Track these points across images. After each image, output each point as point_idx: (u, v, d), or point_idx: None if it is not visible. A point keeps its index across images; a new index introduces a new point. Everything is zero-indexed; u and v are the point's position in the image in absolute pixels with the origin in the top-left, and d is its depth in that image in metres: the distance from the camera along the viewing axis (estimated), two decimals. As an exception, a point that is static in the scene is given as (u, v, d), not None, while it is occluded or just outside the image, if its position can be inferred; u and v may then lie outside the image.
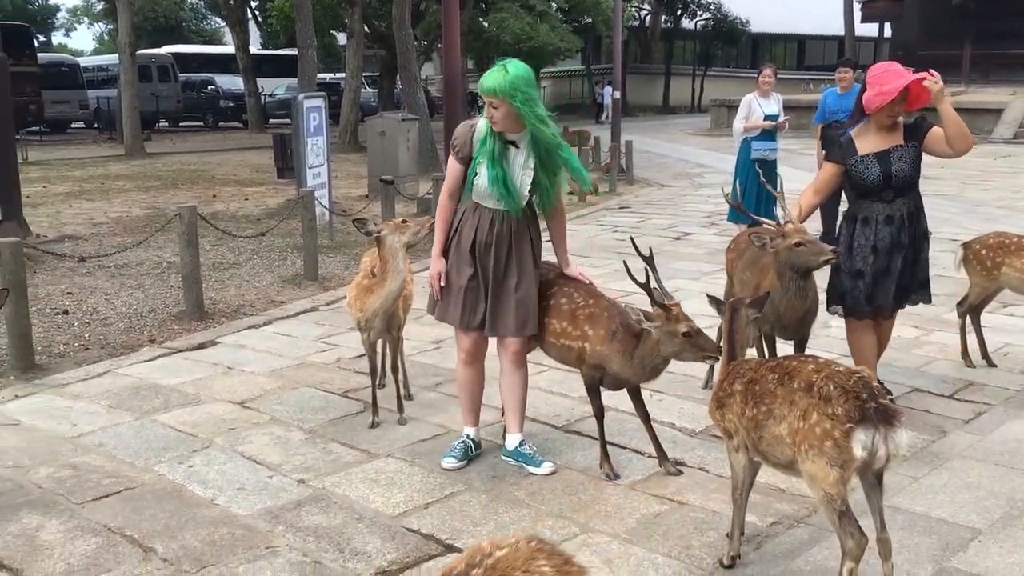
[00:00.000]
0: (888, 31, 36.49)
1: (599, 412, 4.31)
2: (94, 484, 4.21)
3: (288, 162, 15.34)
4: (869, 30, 39.03)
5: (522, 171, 4.18)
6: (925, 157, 4.76)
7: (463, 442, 4.46)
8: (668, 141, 26.90)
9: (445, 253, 4.30)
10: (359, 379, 5.65)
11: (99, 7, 53.66)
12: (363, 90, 29.19)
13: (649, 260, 4.09)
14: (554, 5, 35.33)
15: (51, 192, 15.65)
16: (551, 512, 3.92)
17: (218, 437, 4.79)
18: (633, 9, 44.14)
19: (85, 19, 66.19)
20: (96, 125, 33.03)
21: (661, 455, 4.32)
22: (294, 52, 26.38)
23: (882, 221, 4.71)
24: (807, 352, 4.48)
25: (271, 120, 35.27)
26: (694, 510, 3.92)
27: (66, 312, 7.45)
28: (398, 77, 25.28)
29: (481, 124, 4.15)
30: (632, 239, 4.54)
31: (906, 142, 4.71)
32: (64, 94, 30.85)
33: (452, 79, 11.28)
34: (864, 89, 4.69)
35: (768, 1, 45.51)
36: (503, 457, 4.41)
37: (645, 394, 4.44)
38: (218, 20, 53.50)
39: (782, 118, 9.40)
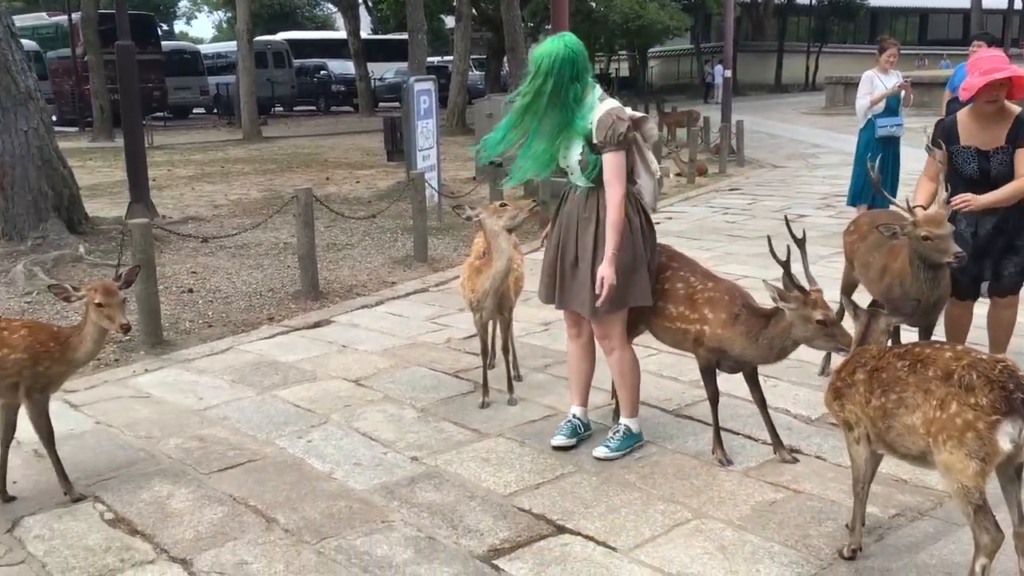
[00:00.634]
0: (1020, 2, 34.57)
1: (714, 396, 4.24)
2: (219, 455, 4.39)
3: (398, 145, 15.58)
4: (998, 1, 37.10)
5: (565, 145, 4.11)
6: None
7: (570, 421, 4.46)
8: (780, 121, 26.21)
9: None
10: (469, 359, 5.72)
11: (218, -4, 55.48)
12: (470, 72, 29.37)
13: (800, 243, 3.95)
14: (664, -17, 34.76)
15: (175, 175, 16.32)
16: (662, 496, 3.89)
17: (334, 413, 4.92)
18: (745, -15, 43.13)
19: (205, 7, 68.68)
20: (215, 110, 34.24)
21: (776, 442, 4.23)
22: (403, 36, 26.77)
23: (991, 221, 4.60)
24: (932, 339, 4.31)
25: (380, 104, 35.91)
26: (811, 499, 3.83)
27: (191, 290, 7.77)
28: (505, 59, 25.35)
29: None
30: (786, 218, 4.39)
31: (1008, 143, 4.50)
32: (186, 81, 32.11)
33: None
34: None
35: (888, -28, 43.77)
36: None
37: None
38: (330, 6, 54.57)
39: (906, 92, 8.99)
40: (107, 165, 17.64)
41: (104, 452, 4.45)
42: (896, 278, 4.54)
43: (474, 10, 27.59)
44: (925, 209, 4.40)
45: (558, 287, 4.30)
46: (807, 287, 3.79)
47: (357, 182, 15.07)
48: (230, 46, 33.65)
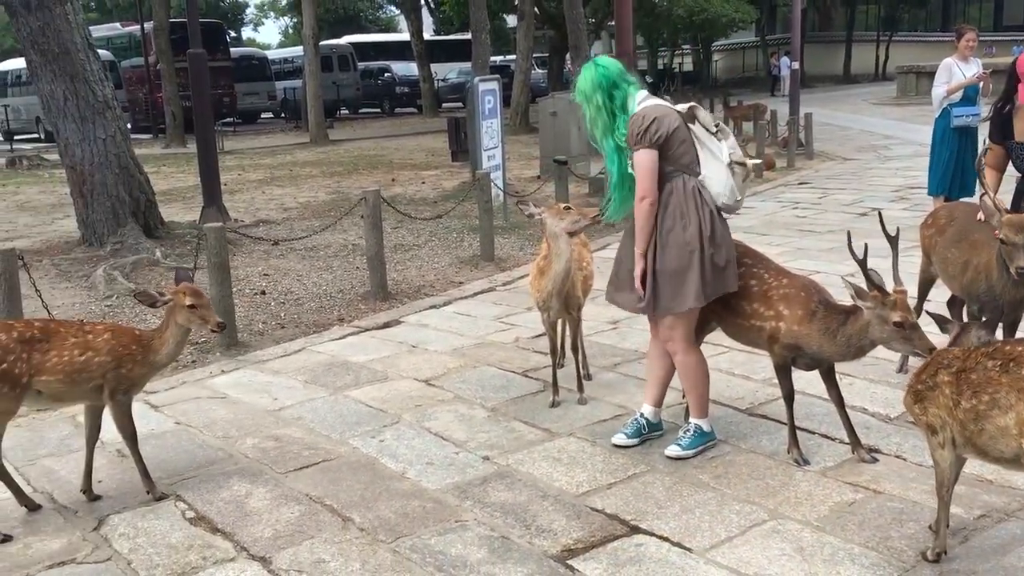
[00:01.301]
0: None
1: (789, 395, 4.16)
2: (295, 455, 4.47)
3: (462, 145, 15.66)
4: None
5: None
6: None
7: (636, 420, 4.44)
8: (850, 112, 25.67)
9: None
10: (538, 359, 5.72)
11: (284, 2, 56.47)
12: (533, 71, 29.38)
13: (893, 240, 3.85)
14: (728, -25, 34.33)
15: (246, 179, 16.65)
16: (737, 497, 3.84)
17: (406, 413, 4.97)
18: (812, -25, 42.38)
19: (271, 13, 69.96)
20: (283, 115, 34.87)
21: (854, 441, 4.14)
22: (465, 37, 26.91)
23: None
24: (1019, 335, 4.17)
25: (444, 104, 36.12)
26: (891, 499, 3.74)
27: (263, 292, 7.92)
28: (567, 57, 25.30)
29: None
30: (880, 214, 4.29)
31: None
32: (254, 86, 32.77)
33: (623, 57, 11.16)
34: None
35: (961, -43, 42.55)
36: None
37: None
38: (393, 8, 55.22)
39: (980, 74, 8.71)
40: (180, 171, 18.10)
41: (184, 452, 4.56)
42: (981, 273, 4.41)
43: (536, 8, 27.58)
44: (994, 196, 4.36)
45: (614, 285, 4.38)
46: (888, 287, 3.69)
47: (423, 183, 15.20)
48: (296, 51, 34.27)
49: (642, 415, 4.44)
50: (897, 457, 4.14)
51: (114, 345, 3.86)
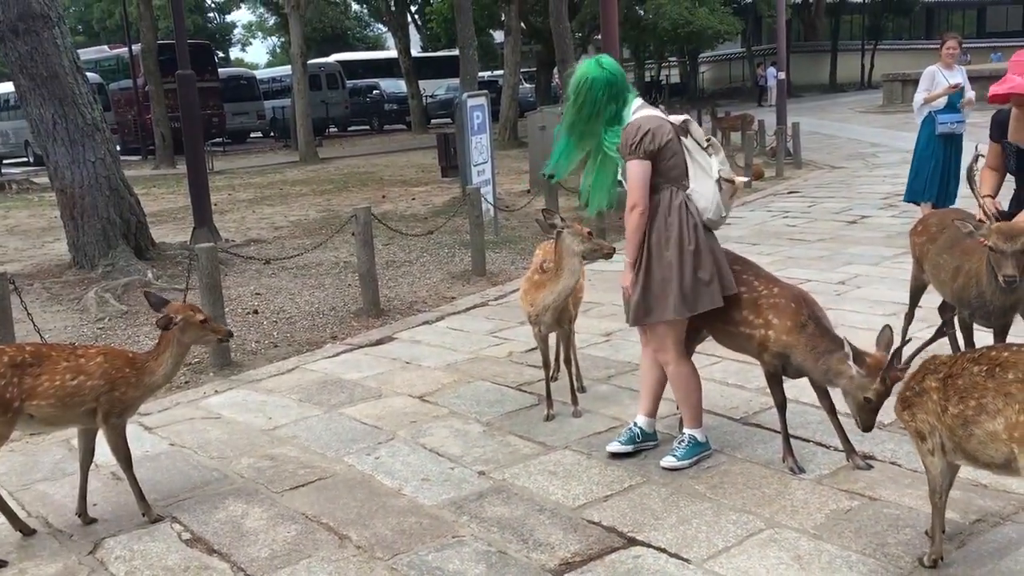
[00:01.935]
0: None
1: (781, 403, 4.18)
2: (290, 474, 4.46)
3: (452, 161, 15.72)
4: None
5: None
6: None
7: (630, 429, 4.44)
8: (837, 121, 25.83)
9: None
10: (532, 372, 5.73)
11: (271, 22, 56.63)
12: (521, 86, 29.49)
13: (903, 341, 3.76)
14: (713, -12, 34.53)
15: (236, 199, 16.65)
16: (734, 507, 3.84)
17: (401, 430, 4.96)
18: (796, -14, 42.69)
19: (259, 33, 70.08)
20: (272, 134, 34.90)
21: (848, 448, 4.15)
22: (452, 53, 27.00)
23: None
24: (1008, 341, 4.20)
25: (432, 120, 36.22)
26: (887, 506, 3.75)
27: (256, 312, 7.92)
28: (555, 71, 25.40)
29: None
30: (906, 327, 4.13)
31: None
32: (243, 106, 32.79)
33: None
34: None
35: (943, -35, 42.95)
36: None
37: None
38: (380, 26, 55.36)
39: (969, 94, 8.79)
40: (171, 191, 18.09)
41: (179, 473, 4.55)
42: (972, 278, 4.44)
43: (523, 23, 27.73)
44: (993, 198, 4.50)
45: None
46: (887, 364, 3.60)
47: (413, 199, 15.22)
48: (284, 70, 34.37)
49: (636, 425, 4.45)
50: (892, 463, 4.15)
51: (107, 368, 3.85)
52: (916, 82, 9.08)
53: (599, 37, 14.16)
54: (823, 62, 44.62)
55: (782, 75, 20.55)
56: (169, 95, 22.47)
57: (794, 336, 3.96)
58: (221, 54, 58.74)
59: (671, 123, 4.12)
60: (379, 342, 6.82)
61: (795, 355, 3.99)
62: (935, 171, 8.71)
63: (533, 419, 5.00)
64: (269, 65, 62.25)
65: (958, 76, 8.74)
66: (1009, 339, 4.28)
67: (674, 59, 49.76)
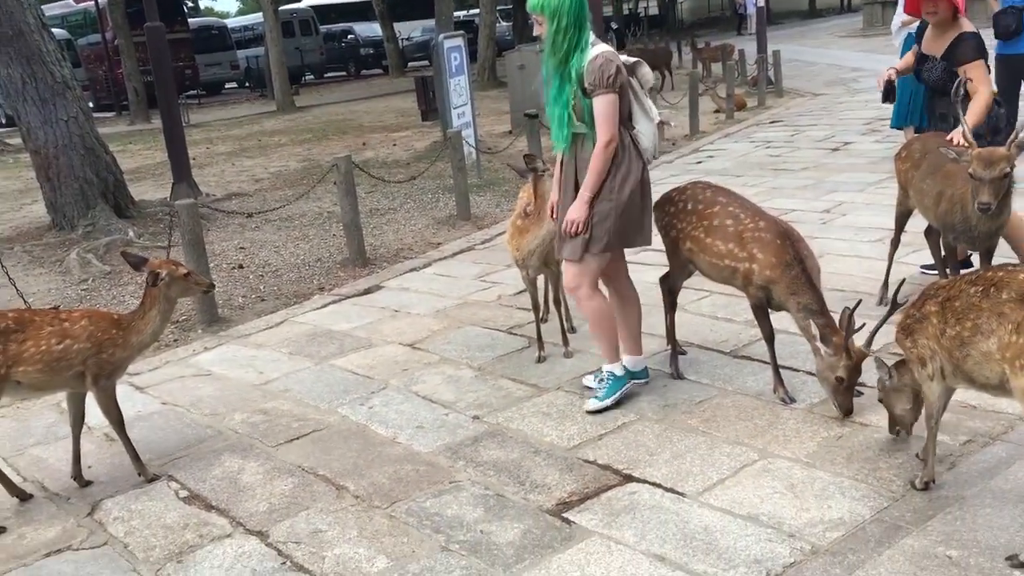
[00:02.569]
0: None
1: (769, 335, 4.20)
2: (284, 427, 4.46)
3: (431, 104, 15.53)
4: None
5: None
6: None
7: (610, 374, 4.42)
8: (817, 47, 25.61)
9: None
10: (521, 315, 5.72)
11: (239, -32, 55.25)
12: (498, 24, 29.02)
13: (893, 302, 3.61)
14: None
15: (214, 152, 16.44)
16: (727, 439, 3.87)
17: (393, 378, 4.96)
18: (772, -91, 41.88)
19: (227, -19, 68.42)
20: (247, 84, 34.32)
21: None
22: (427, -7, 26.48)
23: (938, 117, 5.26)
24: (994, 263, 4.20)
25: (410, 64, 35.70)
26: (878, 431, 3.78)
27: (241, 266, 7.86)
28: (532, 7, 24.98)
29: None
30: (901, 282, 3.91)
31: (943, 58, 5.00)
32: (215, 57, 32.15)
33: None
34: None
35: None
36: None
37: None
38: (351, -32, 54.09)
39: None
40: (147, 147, 17.83)
41: (173, 431, 4.55)
42: (956, 204, 4.42)
43: (496, -40, 27.18)
44: (899, 72, 5.45)
45: (558, 237, 4.27)
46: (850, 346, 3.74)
47: (394, 145, 15.06)
48: (256, 18, 33.66)
49: (623, 367, 4.45)
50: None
51: (92, 331, 3.82)
52: (895, 4, 8.95)
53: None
54: (802, -13, 44.07)
55: (761, 2, 20.30)
56: (139, 48, 21.98)
57: (777, 272, 3.97)
58: (191, 4, 57.41)
59: (623, 62, 4.07)
60: (367, 291, 6.79)
61: (776, 292, 4.01)
62: (916, 95, 8.63)
63: (525, 362, 5.01)
64: (240, 13, 61.01)
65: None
66: (996, 261, 4.29)
67: (651, -10, 49.03)
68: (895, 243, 5.40)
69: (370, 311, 6.27)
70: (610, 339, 4.30)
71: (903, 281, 3.80)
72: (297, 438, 4.33)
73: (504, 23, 35.41)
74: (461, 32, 12.74)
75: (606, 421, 4.16)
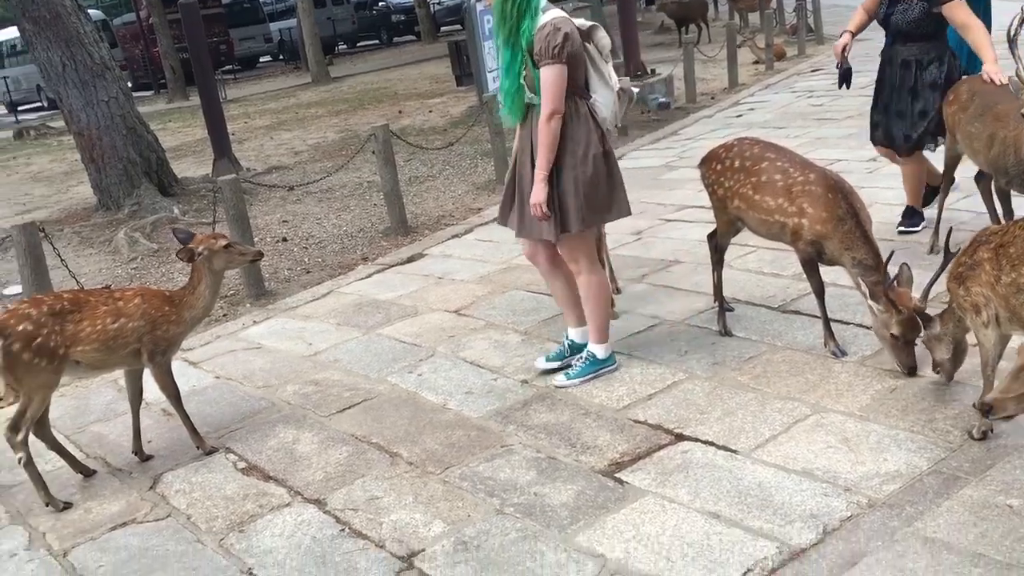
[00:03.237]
0: None
1: (819, 289, 4.14)
2: (336, 397, 4.52)
3: (466, 69, 15.42)
4: None
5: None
6: None
7: (560, 349, 4.41)
8: (858, -9, 24.92)
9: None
10: (565, 277, 5.70)
11: (268, -60, 55.12)
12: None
13: (946, 252, 3.54)
14: None
15: (253, 127, 16.54)
16: (778, 394, 3.85)
17: (440, 345, 4.99)
18: None
19: (257, -46, 68.30)
20: (281, 56, 34.37)
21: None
22: (457, -45, 26.21)
23: (898, 64, 5.32)
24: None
25: (442, 28, 35.46)
26: (932, 382, 3.73)
27: (285, 239, 7.93)
28: (563, -35, 24.64)
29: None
30: (949, 231, 3.72)
31: None
32: (249, 31, 32.19)
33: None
34: None
35: None
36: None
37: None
38: (380, -66, 53.70)
39: None
40: (186, 125, 17.99)
41: (228, 404, 4.63)
42: (1009, 146, 4.31)
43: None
44: (854, 35, 5.41)
45: (517, 214, 4.17)
46: (901, 304, 3.61)
47: (430, 112, 15.02)
48: (287, -11, 33.60)
49: (567, 338, 4.39)
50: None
51: (146, 309, 3.89)
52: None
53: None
54: (840, -70, 43.02)
55: (798, -53, 19.78)
56: (174, 26, 22.11)
57: (829, 227, 3.90)
58: (221, -21, 57.52)
59: (577, 27, 3.92)
60: (410, 259, 6.82)
61: (828, 247, 3.94)
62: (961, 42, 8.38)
63: (570, 324, 5.00)
64: (271, -14, 60.89)
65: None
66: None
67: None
68: (945, 190, 5.28)
69: (414, 279, 6.30)
70: (602, 317, 4.22)
71: (951, 230, 3.72)
72: (349, 407, 4.38)
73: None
74: (493, -6, 12.59)
75: (655, 381, 4.15)
